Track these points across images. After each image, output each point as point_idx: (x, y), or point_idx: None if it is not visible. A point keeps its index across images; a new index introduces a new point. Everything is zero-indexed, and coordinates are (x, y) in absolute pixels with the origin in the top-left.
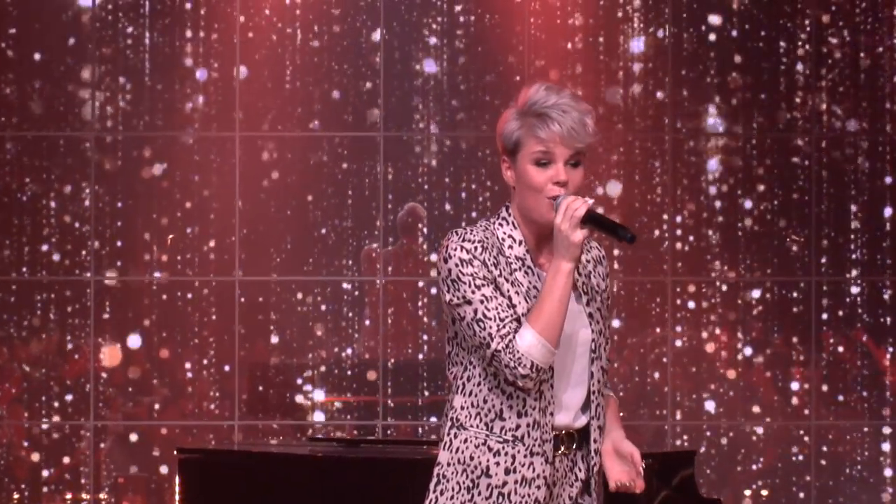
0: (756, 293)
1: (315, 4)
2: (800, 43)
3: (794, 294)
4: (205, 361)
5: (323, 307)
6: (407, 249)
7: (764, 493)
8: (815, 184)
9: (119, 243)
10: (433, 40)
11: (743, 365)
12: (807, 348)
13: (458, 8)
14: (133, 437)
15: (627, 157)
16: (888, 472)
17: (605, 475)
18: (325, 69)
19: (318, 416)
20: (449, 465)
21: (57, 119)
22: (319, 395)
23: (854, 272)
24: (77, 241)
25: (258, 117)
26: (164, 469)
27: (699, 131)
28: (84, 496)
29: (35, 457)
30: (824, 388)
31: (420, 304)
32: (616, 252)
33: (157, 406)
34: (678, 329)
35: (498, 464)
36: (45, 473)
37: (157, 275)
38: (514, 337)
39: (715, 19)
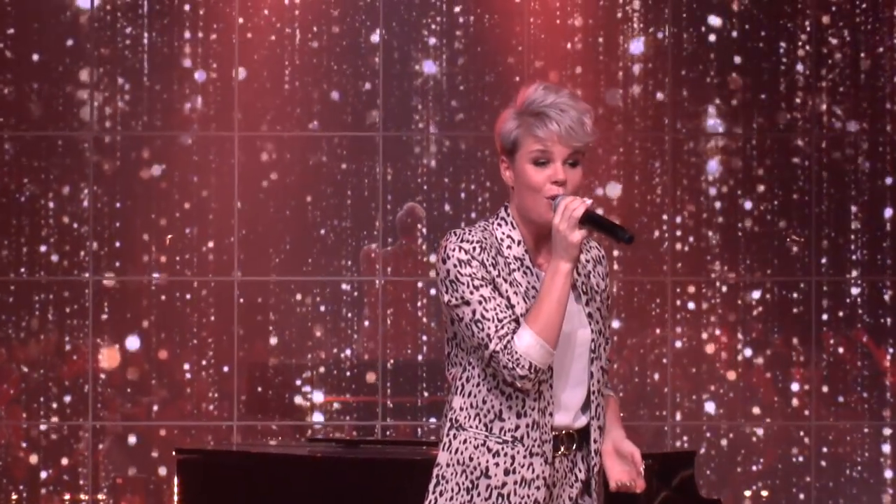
0: (756, 294)
1: (314, 5)
2: (800, 43)
3: (795, 295)
4: (203, 362)
5: (322, 308)
6: (406, 249)
7: (764, 493)
8: (816, 184)
9: (118, 244)
10: (432, 41)
11: (743, 365)
12: (807, 349)
13: (457, 8)
14: (132, 440)
15: (627, 158)
16: (888, 474)
17: (606, 475)
18: (325, 70)
19: (317, 417)
20: (448, 465)
21: (55, 119)
22: (318, 396)
23: (854, 273)
24: (75, 242)
25: (257, 118)
26: (162, 471)
27: (699, 132)
28: (82, 497)
29: (33, 457)
30: (825, 389)
31: (419, 304)
32: (616, 253)
33: (155, 407)
34: (678, 330)
35: (497, 464)
36: (43, 474)
37: (155, 277)
38: (512, 338)
39: (715, 20)
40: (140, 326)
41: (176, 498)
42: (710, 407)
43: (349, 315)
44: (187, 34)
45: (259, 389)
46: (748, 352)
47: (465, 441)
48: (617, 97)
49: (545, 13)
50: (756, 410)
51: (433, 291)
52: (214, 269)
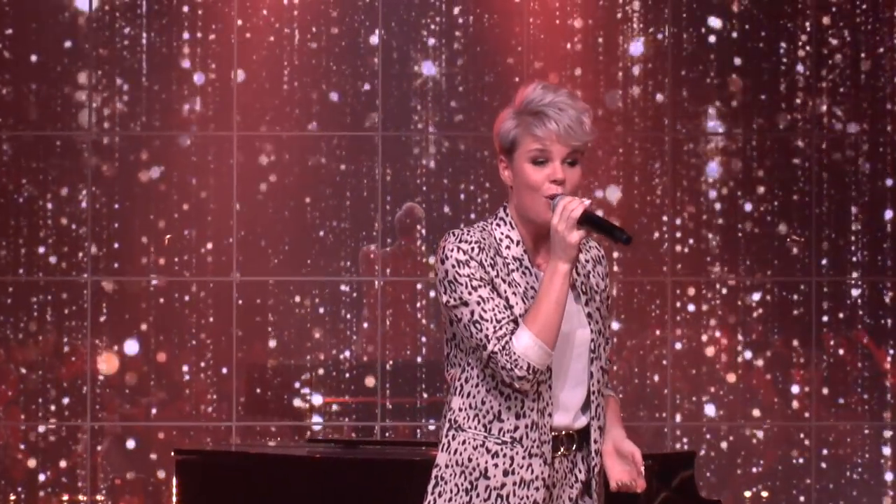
0: (756, 295)
1: (313, 6)
2: (800, 44)
3: (795, 297)
4: (202, 364)
5: (321, 309)
6: (405, 250)
7: (764, 494)
8: (816, 185)
9: (116, 245)
10: (432, 41)
11: (743, 367)
12: (807, 350)
13: (456, 9)
14: (130, 444)
15: (627, 159)
16: (889, 476)
17: (606, 475)
18: (324, 70)
19: (317, 418)
20: (447, 466)
21: (54, 120)
22: (317, 397)
23: (855, 274)
24: (74, 243)
25: (256, 118)
26: (161, 474)
27: (699, 133)
28: (81, 498)
29: (32, 459)
30: (825, 390)
31: (419, 305)
32: (616, 254)
33: (154, 410)
34: (678, 332)
35: (496, 465)
36: (41, 475)
37: (154, 281)
38: (510, 338)
39: (714, 21)
40: (139, 327)
41: (175, 499)
42: (710, 408)
43: (348, 316)
44: (186, 35)
45: (258, 391)
46: (748, 353)
47: (463, 442)
48: (617, 98)
49: (545, 14)
50: (756, 412)
51: (433, 293)
52: (213, 270)
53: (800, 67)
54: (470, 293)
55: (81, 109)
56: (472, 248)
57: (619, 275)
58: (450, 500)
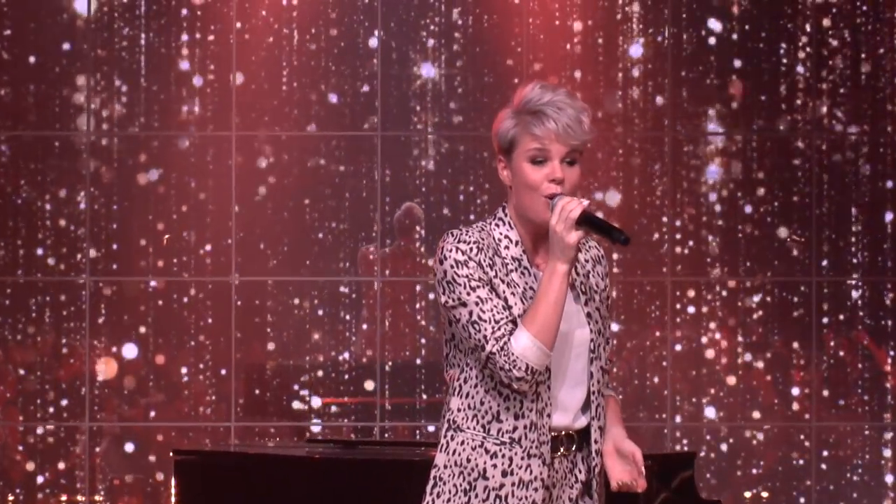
0: (756, 296)
1: (312, 7)
2: (800, 45)
3: (795, 298)
4: (201, 365)
5: (320, 310)
6: (405, 250)
7: (764, 494)
8: (816, 186)
9: (114, 246)
10: (431, 42)
11: (743, 368)
12: (807, 351)
13: (456, 10)
14: (129, 446)
15: (627, 161)
16: (889, 478)
17: (607, 475)
18: (323, 71)
19: (316, 419)
20: (446, 467)
21: (52, 121)
22: (317, 398)
23: (855, 275)
24: (72, 244)
25: (255, 119)
26: (160, 476)
27: (699, 134)
28: (79, 499)
29: (30, 459)
30: (825, 391)
31: (418, 306)
32: (616, 256)
33: (152, 413)
34: (678, 333)
35: (495, 466)
36: (40, 476)
37: (152, 284)
38: (508, 339)
39: (714, 22)
40: (137, 329)
41: (173, 499)
42: (710, 409)
43: (347, 317)
44: (185, 36)
45: (257, 392)
46: (748, 354)
47: (462, 442)
48: (616, 100)
49: (544, 15)
50: (756, 413)
51: (432, 294)
52: (212, 272)
53: (800, 69)
54: (468, 294)
55: (80, 111)
56: (471, 249)
57: (619, 276)
58: (448, 500)
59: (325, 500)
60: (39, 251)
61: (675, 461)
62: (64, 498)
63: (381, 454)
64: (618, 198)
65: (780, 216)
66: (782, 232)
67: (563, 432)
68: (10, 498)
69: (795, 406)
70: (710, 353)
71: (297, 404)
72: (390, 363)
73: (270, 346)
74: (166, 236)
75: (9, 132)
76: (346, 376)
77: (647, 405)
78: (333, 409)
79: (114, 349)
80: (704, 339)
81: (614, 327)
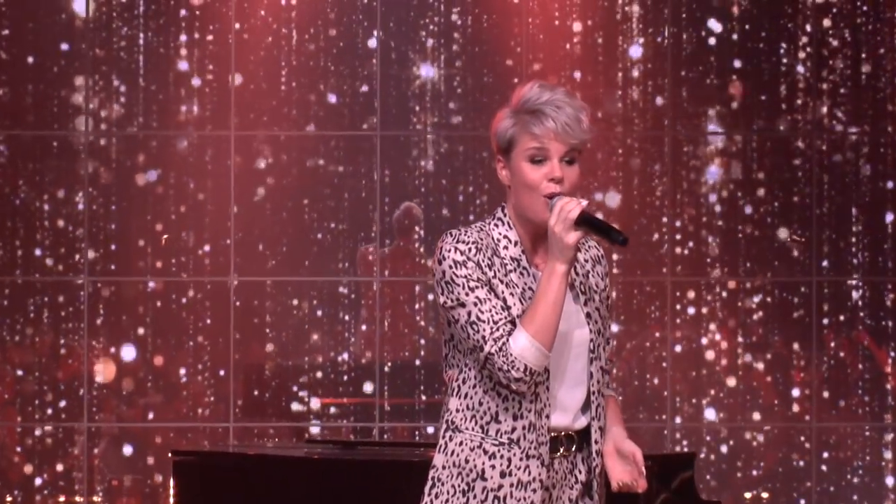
0: (757, 297)
1: (311, 7)
2: (800, 45)
3: (796, 299)
4: (199, 366)
5: (319, 310)
6: (404, 251)
7: (764, 495)
8: (816, 187)
9: (113, 246)
10: (430, 42)
11: (743, 368)
12: (807, 352)
13: (455, 10)
14: (128, 447)
15: (626, 161)
16: (890, 481)
17: (608, 475)
18: (322, 72)
19: (315, 419)
20: (444, 468)
21: (50, 121)
22: (316, 398)
23: (855, 275)
24: (70, 245)
25: (254, 120)
26: (158, 478)
27: (699, 135)
28: (78, 499)
29: (28, 461)
30: (825, 392)
31: (417, 306)
32: (616, 256)
33: (151, 415)
34: (678, 334)
35: (493, 467)
36: (38, 477)
37: (150, 284)
38: (507, 340)
39: (714, 22)
40: (136, 329)
41: (172, 500)
42: (710, 410)
43: (346, 318)
44: (183, 36)
45: (256, 393)
46: (748, 355)
47: (461, 443)
48: (616, 100)
49: (543, 15)
50: (756, 414)
51: (431, 295)
52: (211, 272)
53: (800, 69)
54: (467, 294)
55: (78, 111)
56: (470, 249)
57: (619, 276)
58: (446, 501)
59: (324, 500)
60: (38, 252)
61: (675, 462)
62: (62, 499)
63: (380, 455)
64: (618, 198)
65: (780, 217)
66: (782, 232)
67: (563, 433)
68: (9, 499)
69: (796, 407)
70: (710, 354)
71: (295, 405)
72: (389, 364)
73: (269, 346)
74: (165, 236)
75: (7, 132)
76: (345, 377)
77: (646, 406)
78: (332, 409)
79: (112, 350)
80: (704, 340)
81: (614, 328)
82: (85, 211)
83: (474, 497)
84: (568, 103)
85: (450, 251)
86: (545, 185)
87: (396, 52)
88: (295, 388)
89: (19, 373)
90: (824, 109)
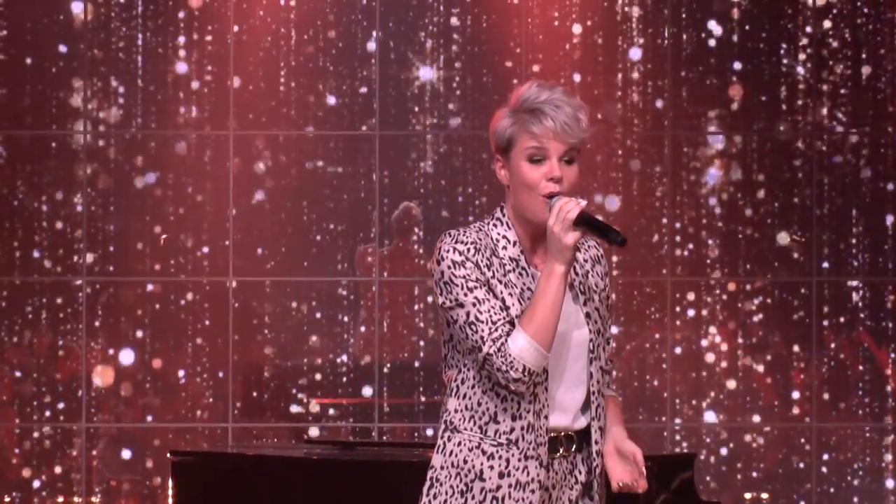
0: (757, 298)
1: (310, 7)
2: (801, 46)
3: (796, 301)
4: (198, 367)
5: (318, 312)
6: (403, 251)
7: (764, 496)
8: (817, 188)
9: (111, 248)
10: (429, 43)
11: (743, 370)
12: (808, 353)
13: (454, 10)
14: (126, 449)
15: (626, 163)
16: (890, 483)
17: (608, 475)
18: (321, 72)
19: (314, 420)
20: (442, 468)
21: (49, 122)
22: (315, 399)
23: (856, 276)
24: (69, 246)
25: (252, 121)
26: (157, 479)
27: (699, 136)
28: (76, 500)
29: (26, 462)
30: (825, 393)
31: (416, 307)
32: (616, 258)
33: (149, 418)
34: (678, 335)
35: (492, 467)
36: (36, 478)
37: (149, 287)
38: (506, 340)
39: (714, 24)
40: (134, 331)
41: (171, 501)
42: (710, 411)
43: (345, 319)
44: (182, 37)
45: (254, 394)
46: (749, 356)
47: (459, 443)
48: (616, 101)
49: (543, 15)
50: (756, 415)
51: (430, 297)
52: (210, 274)
53: (800, 70)
54: (466, 294)
55: (77, 112)
56: (469, 249)
57: (619, 277)
58: (445, 501)
59: (323, 501)
60: (36, 253)
61: (675, 462)
62: (60, 500)
63: (379, 455)
64: (617, 200)
65: (780, 218)
66: (782, 234)
67: (563, 433)
68: (7, 500)
69: (796, 408)
70: (709, 355)
71: (294, 406)
72: (389, 365)
73: (268, 347)
74: (163, 236)
75: (5, 133)
76: (345, 378)
77: (646, 407)
78: (331, 410)
79: (110, 351)
80: (704, 342)
81: (614, 329)
82: (83, 212)
83: (472, 497)
84: (567, 102)
85: (448, 251)
86: (544, 185)
87: (395, 52)
88: (294, 390)
89: (17, 374)
90: (824, 111)
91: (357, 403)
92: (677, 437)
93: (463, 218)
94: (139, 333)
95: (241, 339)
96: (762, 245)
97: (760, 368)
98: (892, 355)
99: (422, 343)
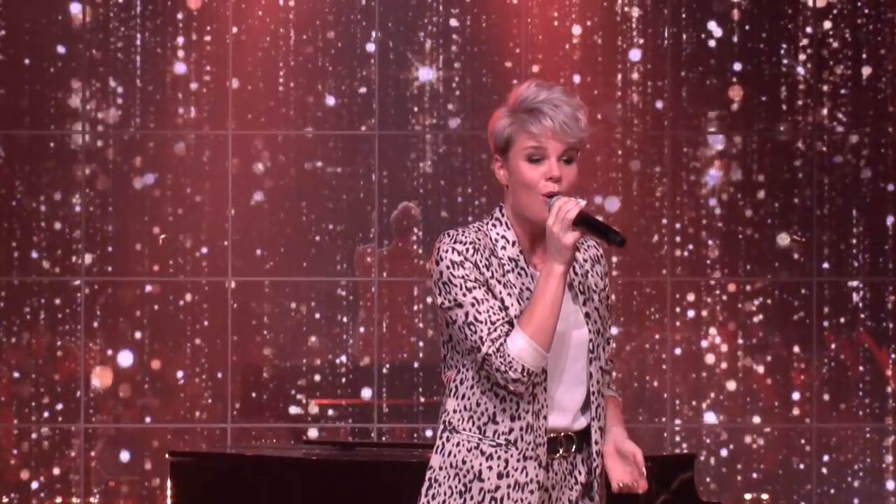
0: (757, 299)
1: (309, 8)
2: (801, 46)
3: (796, 301)
4: (197, 368)
5: (317, 312)
6: (402, 251)
7: (764, 497)
8: (817, 188)
9: (110, 248)
10: (429, 43)
11: (743, 370)
12: (808, 353)
13: (454, 10)
14: (125, 449)
15: (626, 163)
16: (891, 484)
17: (608, 476)
18: (320, 73)
19: (313, 421)
20: (441, 469)
21: (47, 123)
22: (314, 400)
23: (856, 276)
24: (67, 247)
25: (251, 121)
26: (156, 479)
27: (699, 137)
28: (74, 501)
29: (25, 463)
30: (826, 394)
31: (416, 308)
32: (615, 258)
33: (148, 419)
34: (678, 336)
35: (491, 468)
36: (34, 478)
37: (148, 288)
38: (504, 340)
39: (714, 25)
40: (133, 331)
41: (169, 501)
42: (710, 412)
43: (344, 319)
44: (180, 37)
45: (253, 395)
46: (749, 357)
47: (458, 444)
48: (616, 101)
49: (543, 16)
50: (756, 415)
51: (430, 298)
52: (208, 274)
53: (800, 71)
54: (464, 294)
55: (75, 112)
56: (467, 249)
57: (619, 278)
58: (443, 502)
59: (322, 501)
60: (34, 254)
61: (675, 463)
62: (59, 501)
63: (377, 456)
64: (617, 200)
65: (780, 219)
66: (783, 234)
67: (562, 433)
68: (5, 500)
69: (796, 409)
70: (709, 356)
71: (293, 407)
72: (388, 365)
73: (267, 348)
74: (162, 236)
75: (4, 133)
76: (344, 379)
77: (646, 408)
78: (330, 411)
79: (109, 352)
80: (704, 343)
81: (613, 330)
82: (82, 213)
83: (471, 498)
84: (565, 102)
85: (447, 251)
86: (543, 185)
87: (395, 52)
88: (293, 391)
89: (16, 375)
90: (825, 111)
91: (356, 404)
92: (677, 439)
93: (462, 218)
94: (138, 334)
95: (240, 340)
96: (762, 246)
97: (760, 369)
98: (893, 356)
99: (421, 343)
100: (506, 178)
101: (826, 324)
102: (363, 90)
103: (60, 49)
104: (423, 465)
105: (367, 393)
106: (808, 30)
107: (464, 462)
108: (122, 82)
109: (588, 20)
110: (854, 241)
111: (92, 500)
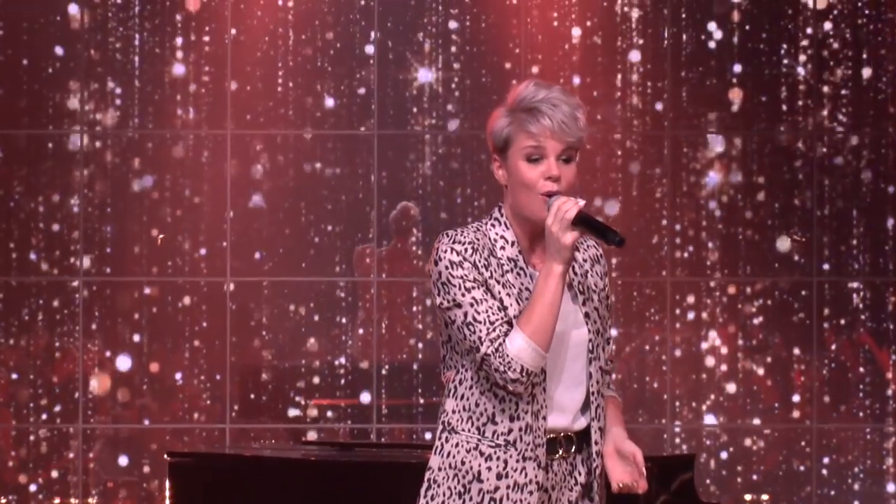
0: (757, 300)
1: (308, 8)
2: (801, 47)
3: (796, 302)
4: (195, 369)
5: (316, 313)
6: (401, 251)
7: (764, 498)
8: (817, 189)
9: (108, 249)
10: (428, 44)
11: (744, 372)
12: (808, 355)
13: (453, 11)
14: (123, 457)
15: (626, 164)
16: (891, 487)
17: (608, 476)
18: (319, 73)
19: (312, 421)
20: (440, 469)
21: (45, 123)
22: (312, 400)
23: (856, 277)
24: (65, 248)
25: (250, 122)
26: (154, 480)
27: (699, 138)
28: (73, 501)
29: (23, 464)
30: (826, 395)
31: (415, 308)
32: (615, 259)
33: (147, 421)
34: (678, 338)
35: (490, 469)
36: (32, 480)
37: (146, 289)
38: (503, 341)
39: (714, 26)
40: (131, 332)
41: (168, 502)
42: (710, 413)
43: (343, 320)
44: (179, 38)
45: (252, 396)
46: (749, 358)
47: (457, 445)
48: (615, 102)
49: (542, 16)
50: (756, 417)
51: (428, 299)
52: (207, 275)
53: (801, 72)
54: (463, 295)
55: (73, 113)
56: (466, 250)
57: (619, 278)
58: (442, 503)
59: (321, 502)
60: (32, 255)
61: (675, 463)
62: (57, 502)
63: (376, 456)
64: (617, 201)
65: (780, 220)
66: (783, 242)
67: (562, 434)
68: (3, 502)
69: (796, 411)
70: (710, 357)
71: (292, 407)
72: (387, 366)
73: (266, 349)
74: (161, 236)
75: (1, 134)
76: (342, 380)
77: (646, 409)
78: (329, 412)
79: (107, 353)
80: (704, 344)
81: (613, 331)
82: (80, 214)
83: (470, 499)
84: (564, 101)
85: (446, 252)
86: (542, 184)
87: (394, 53)
88: (292, 391)
89: (14, 376)
90: (825, 112)
91: (355, 405)
92: (677, 440)
93: (461, 219)
94: (136, 335)
95: (239, 341)
96: (762, 247)
97: (760, 371)
98: (893, 357)
99: (420, 344)
100: (504, 178)
101: (826, 325)
102: (362, 91)
103: (59, 50)
104: (422, 465)
105: (366, 398)
106: (809, 31)
107: (463, 463)
108: (121, 83)
109: (588, 21)
110: (854, 242)
111: (90, 501)
